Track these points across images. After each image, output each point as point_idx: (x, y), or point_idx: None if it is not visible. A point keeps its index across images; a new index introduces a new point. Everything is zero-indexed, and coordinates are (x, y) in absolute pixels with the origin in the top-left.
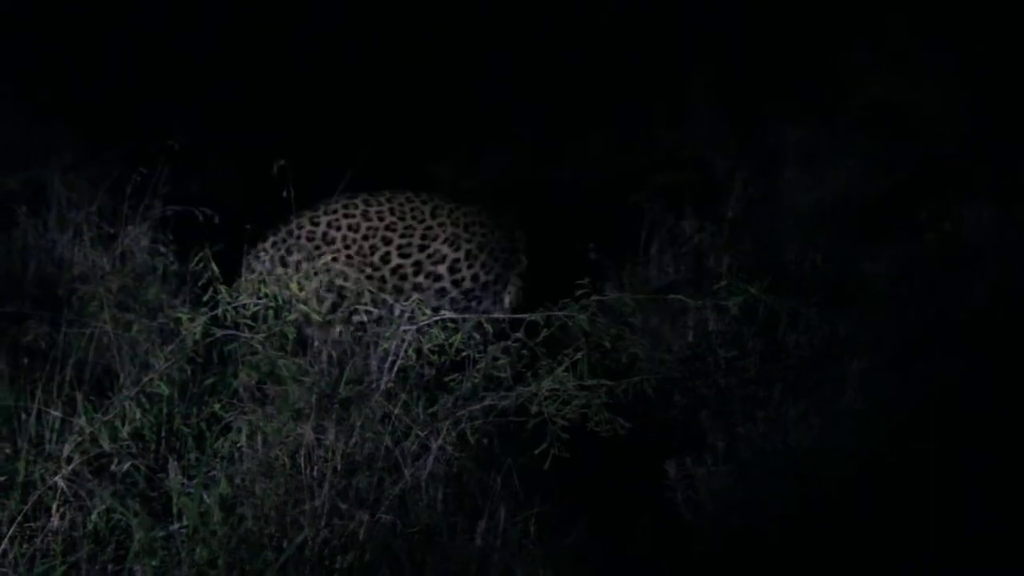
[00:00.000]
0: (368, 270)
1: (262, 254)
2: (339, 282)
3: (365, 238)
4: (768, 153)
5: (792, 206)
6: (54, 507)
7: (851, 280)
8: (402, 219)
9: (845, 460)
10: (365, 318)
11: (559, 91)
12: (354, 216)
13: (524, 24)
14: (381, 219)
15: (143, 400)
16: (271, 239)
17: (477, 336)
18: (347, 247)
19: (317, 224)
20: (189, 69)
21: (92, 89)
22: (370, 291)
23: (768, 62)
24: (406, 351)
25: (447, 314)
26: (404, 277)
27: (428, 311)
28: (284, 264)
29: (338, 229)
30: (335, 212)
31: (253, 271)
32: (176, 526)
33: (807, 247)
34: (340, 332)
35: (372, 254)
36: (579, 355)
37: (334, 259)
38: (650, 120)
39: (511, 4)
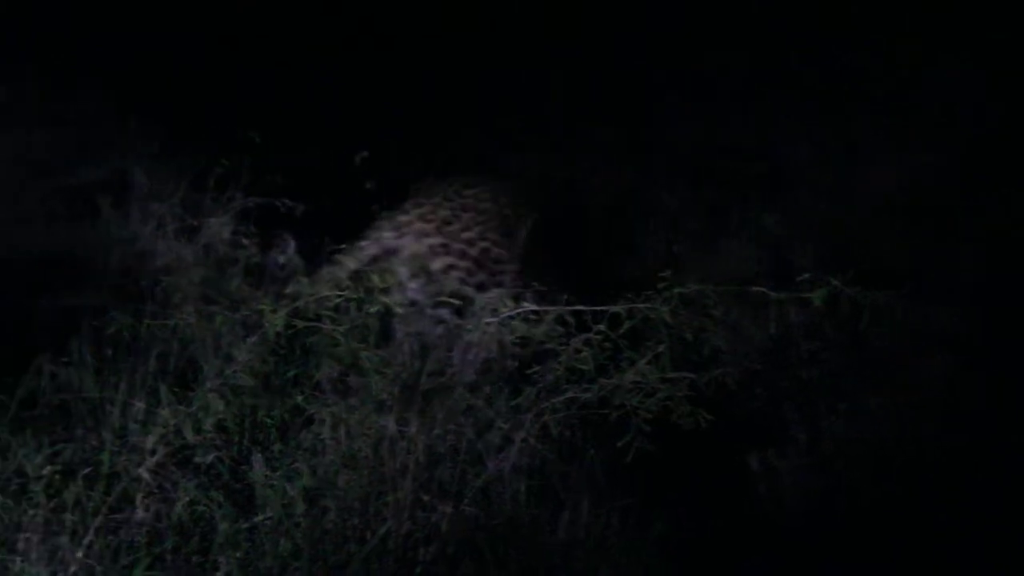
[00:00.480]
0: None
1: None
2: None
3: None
4: (850, 144)
5: (874, 197)
6: (138, 499)
7: (932, 272)
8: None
9: (929, 452)
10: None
11: (637, 87)
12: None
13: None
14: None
15: (226, 392)
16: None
17: (560, 328)
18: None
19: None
20: (272, 59)
21: (174, 80)
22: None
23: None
24: (489, 343)
25: (529, 306)
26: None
27: (510, 303)
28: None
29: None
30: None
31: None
32: (260, 518)
33: (889, 239)
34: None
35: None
36: (661, 347)
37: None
38: (731, 112)
39: None
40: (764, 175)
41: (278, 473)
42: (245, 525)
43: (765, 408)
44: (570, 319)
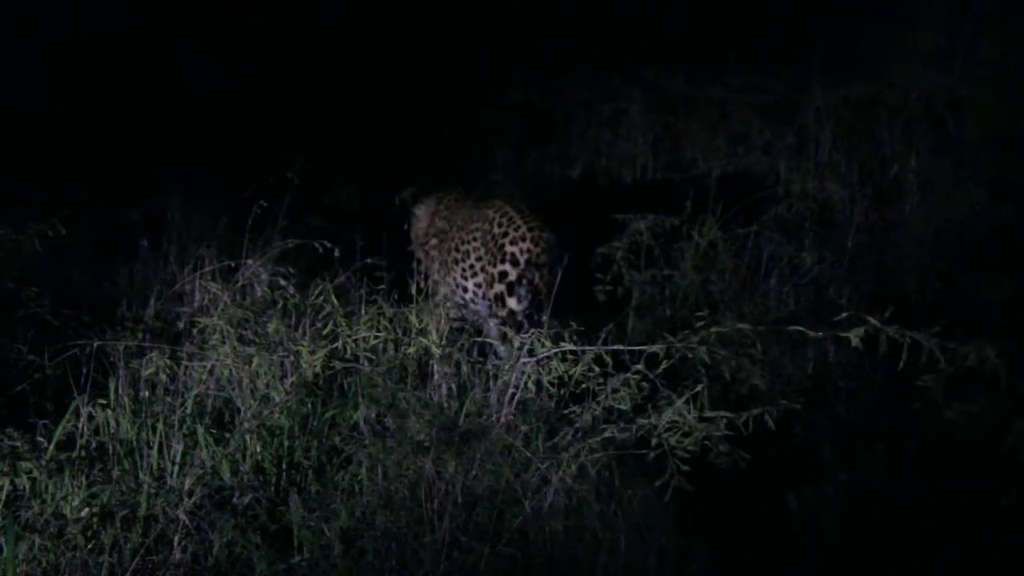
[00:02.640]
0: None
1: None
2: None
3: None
4: (888, 182)
5: (912, 235)
6: (176, 540)
7: (973, 310)
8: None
9: (969, 494)
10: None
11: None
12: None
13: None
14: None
15: (264, 433)
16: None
17: (596, 368)
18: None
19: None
20: (310, 102)
21: (212, 121)
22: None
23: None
24: (526, 383)
25: (568, 346)
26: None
27: (547, 343)
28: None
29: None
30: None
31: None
32: (297, 559)
33: (928, 276)
34: (458, 362)
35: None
36: (699, 387)
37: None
38: (770, 150)
39: None
40: (806, 213)
41: (315, 514)
42: (282, 566)
43: (804, 447)
44: (608, 358)
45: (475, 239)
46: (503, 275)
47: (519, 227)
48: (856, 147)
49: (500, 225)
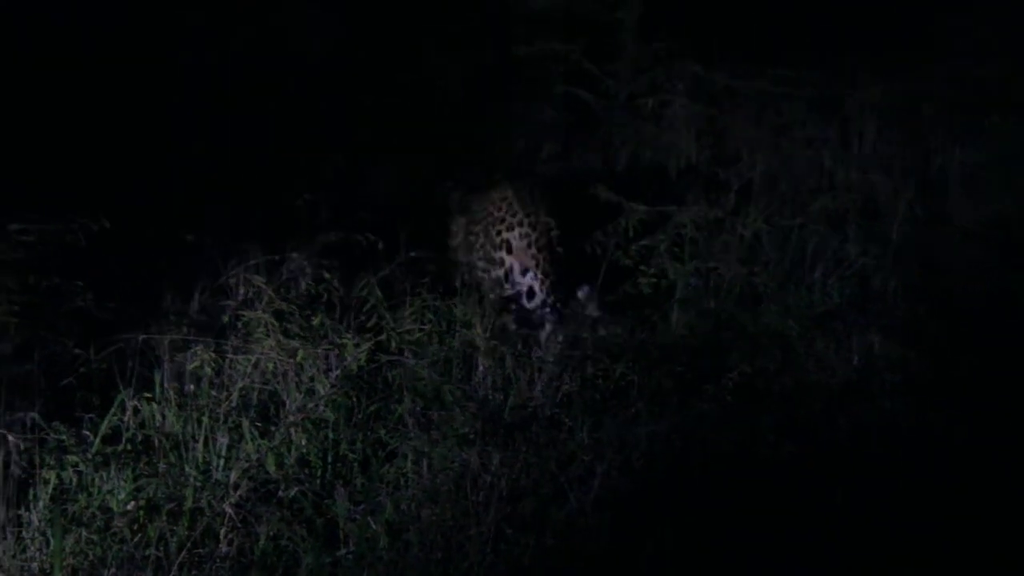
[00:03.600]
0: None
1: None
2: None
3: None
4: (933, 174)
5: (957, 227)
6: (222, 533)
7: (1017, 301)
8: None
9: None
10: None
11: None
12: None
13: None
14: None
15: (309, 426)
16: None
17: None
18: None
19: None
20: (354, 94)
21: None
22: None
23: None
24: (570, 376)
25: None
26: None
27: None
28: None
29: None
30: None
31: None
32: (343, 551)
33: (973, 268)
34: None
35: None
36: (744, 378)
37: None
38: (814, 143)
39: None
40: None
41: (361, 507)
42: (328, 559)
43: (849, 440)
44: (654, 350)
45: (481, 225)
46: (501, 261)
47: (516, 213)
48: (901, 139)
49: (499, 210)
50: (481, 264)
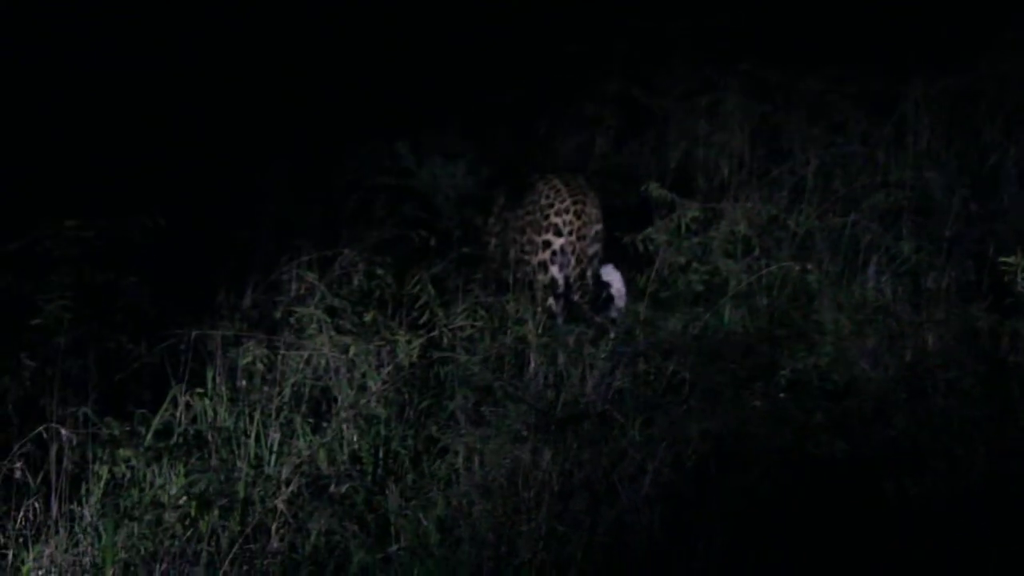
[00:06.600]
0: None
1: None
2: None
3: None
4: (987, 171)
5: (1011, 225)
6: (273, 528)
7: None
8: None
9: None
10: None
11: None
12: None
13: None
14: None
15: (360, 422)
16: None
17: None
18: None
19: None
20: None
21: (310, 108)
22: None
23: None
24: (622, 372)
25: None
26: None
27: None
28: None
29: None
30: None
31: None
32: (394, 547)
33: None
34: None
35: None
36: (796, 376)
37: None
38: (868, 140)
39: None
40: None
41: (412, 503)
42: (379, 555)
43: (902, 437)
44: (706, 347)
45: (527, 212)
46: (547, 244)
47: (564, 199)
48: (955, 136)
49: (547, 197)
50: (528, 248)
